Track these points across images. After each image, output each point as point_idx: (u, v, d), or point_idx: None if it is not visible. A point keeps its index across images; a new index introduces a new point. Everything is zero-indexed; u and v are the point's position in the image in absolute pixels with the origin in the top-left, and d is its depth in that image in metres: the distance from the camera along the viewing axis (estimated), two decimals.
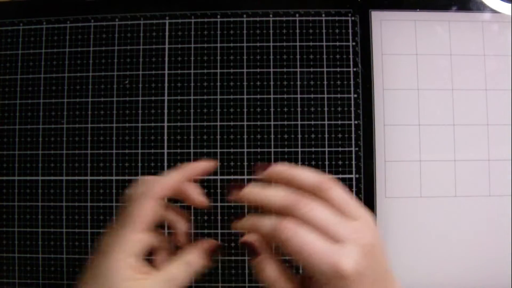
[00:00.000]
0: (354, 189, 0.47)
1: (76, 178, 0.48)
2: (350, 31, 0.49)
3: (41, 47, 0.50)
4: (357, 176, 0.48)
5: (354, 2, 0.49)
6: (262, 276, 0.29)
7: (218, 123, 0.48)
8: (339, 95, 0.48)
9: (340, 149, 0.48)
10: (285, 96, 0.48)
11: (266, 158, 0.48)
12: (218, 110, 0.48)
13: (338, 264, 0.25)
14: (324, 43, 0.49)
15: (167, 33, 0.49)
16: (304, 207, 0.27)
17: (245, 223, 0.29)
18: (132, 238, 0.27)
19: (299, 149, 0.48)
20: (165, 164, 0.48)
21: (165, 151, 0.48)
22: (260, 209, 0.29)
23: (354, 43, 0.49)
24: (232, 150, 0.48)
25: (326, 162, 0.48)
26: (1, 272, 0.48)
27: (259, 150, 0.48)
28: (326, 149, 0.48)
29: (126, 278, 0.26)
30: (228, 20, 0.49)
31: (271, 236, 0.27)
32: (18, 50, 0.50)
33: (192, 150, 0.48)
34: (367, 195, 0.47)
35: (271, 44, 0.49)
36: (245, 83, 0.49)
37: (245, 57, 0.49)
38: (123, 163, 0.48)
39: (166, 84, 0.49)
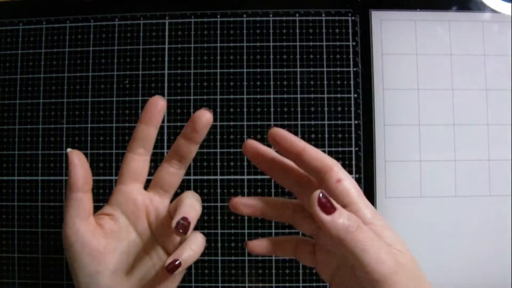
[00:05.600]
0: None
1: None
2: (350, 31, 0.49)
3: (40, 47, 0.49)
4: (357, 176, 0.48)
5: (354, 2, 0.49)
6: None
7: (218, 123, 0.48)
8: (339, 95, 0.48)
9: (340, 149, 0.48)
10: (285, 96, 0.48)
11: None
12: (218, 109, 0.48)
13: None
14: (324, 43, 0.49)
15: (167, 33, 0.49)
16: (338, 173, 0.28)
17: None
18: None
19: None
20: None
21: (165, 151, 0.48)
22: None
23: (354, 43, 0.49)
24: (232, 150, 0.48)
25: None
26: (1, 272, 0.48)
27: None
28: (326, 149, 0.48)
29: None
30: (228, 20, 0.49)
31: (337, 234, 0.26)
32: (18, 50, 0.49)
33: None
34: (367, 195, 0.47)
35: (271, 44, 0.49)
36: (245, 83, 0.49)
37: (245, 57, 0.49)
38: None
39: (166, 84, 0.49)
